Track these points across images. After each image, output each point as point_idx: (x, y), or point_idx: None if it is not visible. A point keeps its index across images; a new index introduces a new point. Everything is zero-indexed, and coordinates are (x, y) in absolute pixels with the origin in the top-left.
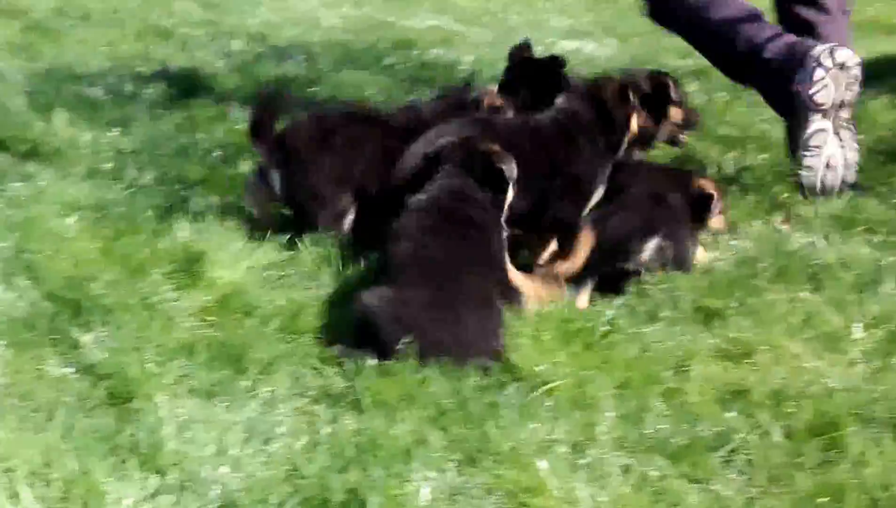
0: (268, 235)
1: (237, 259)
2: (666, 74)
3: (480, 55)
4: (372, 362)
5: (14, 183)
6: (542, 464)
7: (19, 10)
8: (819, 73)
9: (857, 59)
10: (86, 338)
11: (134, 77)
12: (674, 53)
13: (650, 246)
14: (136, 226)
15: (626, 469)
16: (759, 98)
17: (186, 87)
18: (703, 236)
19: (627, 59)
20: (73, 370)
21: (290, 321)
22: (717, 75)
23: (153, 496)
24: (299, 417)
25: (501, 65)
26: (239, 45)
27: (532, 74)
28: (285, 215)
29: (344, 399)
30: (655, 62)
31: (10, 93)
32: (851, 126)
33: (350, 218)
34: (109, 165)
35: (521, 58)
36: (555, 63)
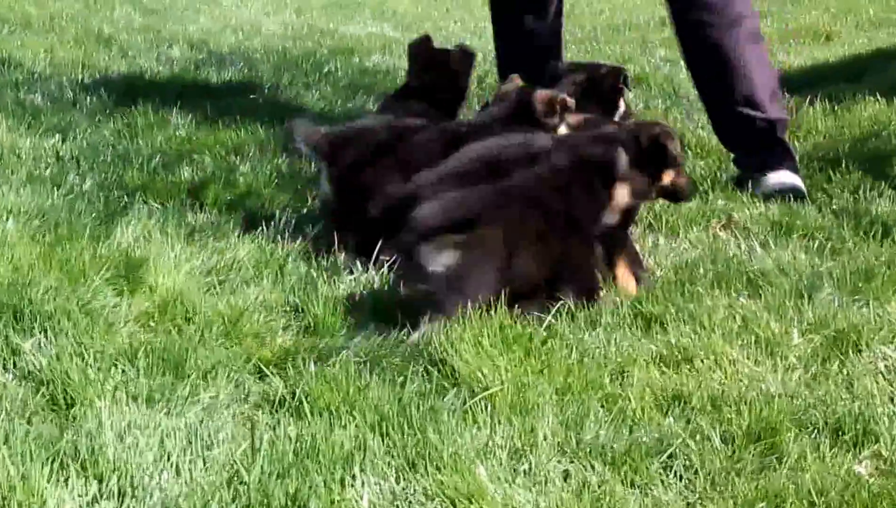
0: (208, 240)
1: (177, 265)
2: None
3: None
4: (311, 367)
5: None
6: (482, 470)
7: None
8: None
9: None
10: (26, 344)
11: (74, 83)
12: (612, 59)
13: None
14: (76, 232)
15: (567, 475)
16: (696, 105)
17: (126, 93)
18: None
19: None
20: (12, 376)
21: (230, 327)
22: (656, 83)
23: (93, 502)
24: (240, 423)
25: None
26: (179, 51)
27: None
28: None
29: (285, 405)
30: None
31: None
32: None
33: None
34: (49, 172)
35: (425, 53)
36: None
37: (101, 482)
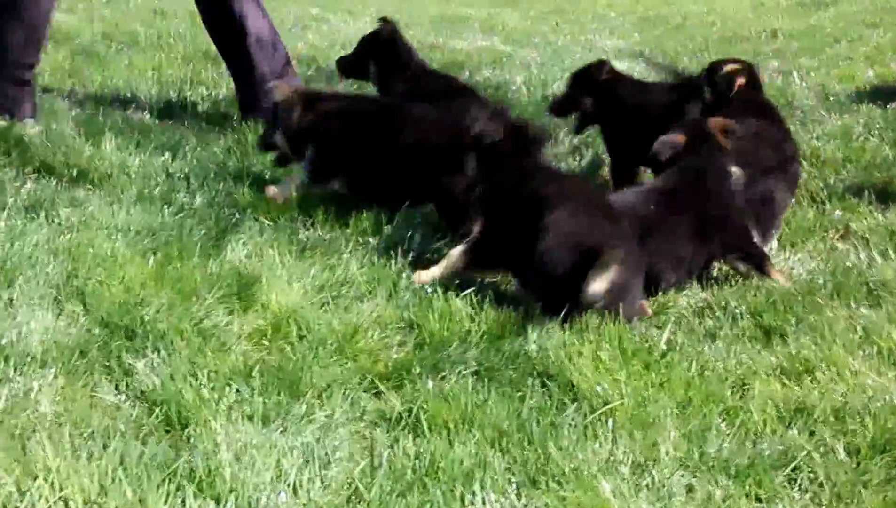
0: (319, 256)
1: (289, 282)
2: None
3: (530, 75)
4: (428, 384)
5: (64, 209)
6: (606, 485)
7: (67, 36)
8: None
9: None
10: (139, 364)
11: (182, 100)
12: None
13: None
14: (187, 250)
15: (690, 489)
16: (809, 115)
17: (235, 110)
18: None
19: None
20: (126, 396)
21: (345, 343)
22: (769, 94)
23: None
24: (357, 441)
25: (552, 85)
26: None
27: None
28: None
29: (402, 422)
30: None
31: (58, 118)
32: None
33: None
34: (159, 190)
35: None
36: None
37: (218, 503)
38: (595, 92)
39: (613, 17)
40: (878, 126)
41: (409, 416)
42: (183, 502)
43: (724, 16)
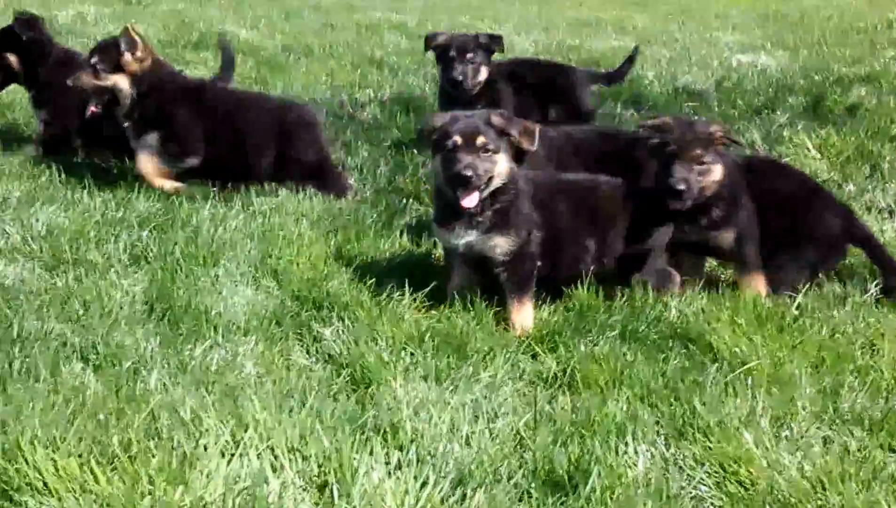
0: None
1: None
2: None
3: (661, 70)
4: (581, 347)
5: (256, 197)
6: (748, 436)
7: (252, 49)
8: None
9: None
10: (326, 331)
11: (352, 101)
12: (842, 61)
13: None
14: (363, 232)
15: (826, 441)
16: None
17: (398, 109)
18: None
19: (797, 68)
20: (317, 359)
21: (503, 312)
22: (887, 81)
23: (396, 469)
24: (519, 398)
25: (682, 79)
26: None
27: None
28: None
29: (558, 381)
30: (826, 70)
31: None
32: None
33: None
34: None
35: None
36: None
37: (401, 451)
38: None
39: (735, 15)
40: None
41: (565, 376)
42: (371, 451)
43: (841, 9)
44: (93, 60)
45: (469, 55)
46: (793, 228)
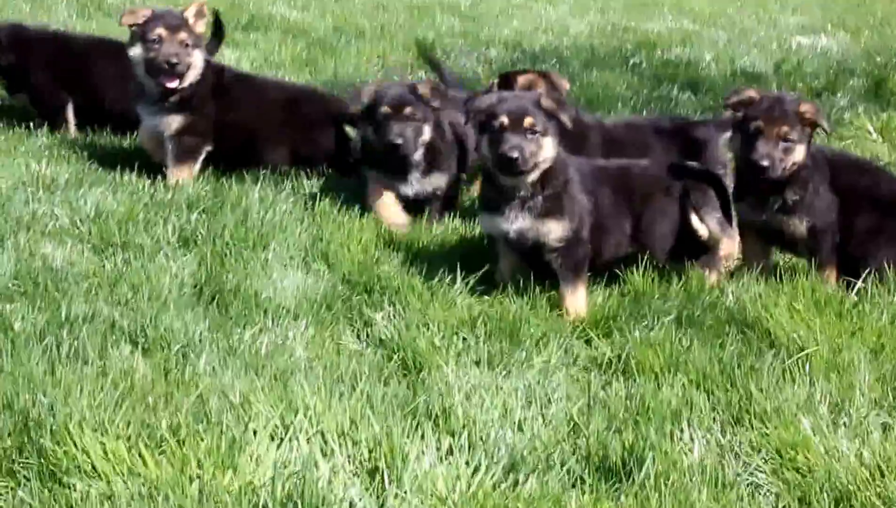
0: None
1: None
2: None
3: (718, 53)
4: (636, 333)
5: (306, 180)
6: (805, 423)
7: (303, 31)
8: None
9: None
10: (377, 316)
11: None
12: None
13: None
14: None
15: (886, 427)
16: None
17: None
18: None
19: (859, 50)
20: (367, 344)
21: (557, 296)
22: None
23: (448, 454)
24: (573, 383)
25: (740, 61)
26: (496, 52)
27: None
28: None
29: (612, 367)
30: (888, 52)
31: None
32: None
33: None
34: None
35: None
36: None
37: (453, 436)
38: None
39: None
40: None
41: (619, 361)
42: (423, 436)
43: None
44: None
45: None
46: None
